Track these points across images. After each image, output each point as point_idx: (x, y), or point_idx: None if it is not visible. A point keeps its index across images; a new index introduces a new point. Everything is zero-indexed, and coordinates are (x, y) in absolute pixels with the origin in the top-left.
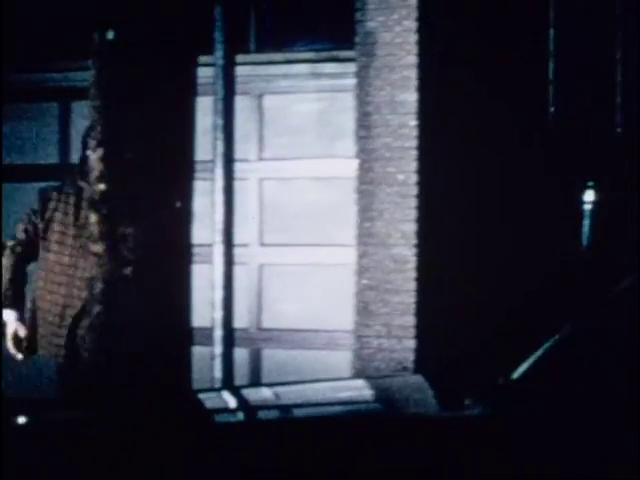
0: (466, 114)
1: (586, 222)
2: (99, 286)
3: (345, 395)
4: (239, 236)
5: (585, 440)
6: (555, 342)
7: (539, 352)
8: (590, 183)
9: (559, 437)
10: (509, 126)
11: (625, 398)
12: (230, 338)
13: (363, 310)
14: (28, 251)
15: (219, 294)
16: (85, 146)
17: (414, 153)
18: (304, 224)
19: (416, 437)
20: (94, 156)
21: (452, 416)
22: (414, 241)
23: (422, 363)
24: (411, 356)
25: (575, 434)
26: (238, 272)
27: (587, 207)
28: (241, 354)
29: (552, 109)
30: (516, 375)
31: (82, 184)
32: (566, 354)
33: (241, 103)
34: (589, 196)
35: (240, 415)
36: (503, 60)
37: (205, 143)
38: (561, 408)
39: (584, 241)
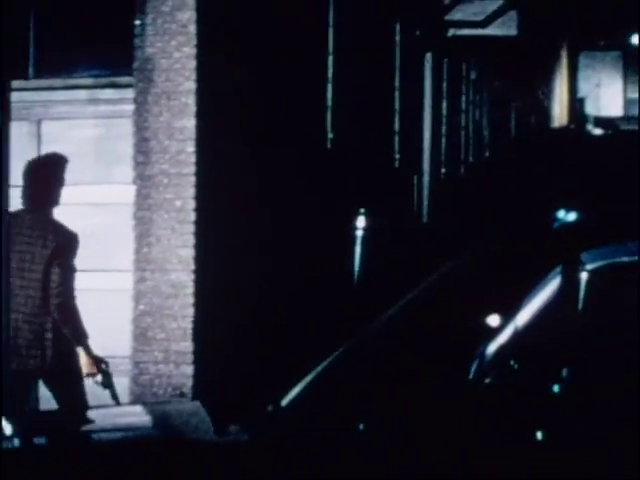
0: (247, 139)
1: (357, 247)
2: None
3: (123, 421)
4: None
5: (352, 464)
6: (324, 367)
7: (309, 377)
8: (362, 210)
9: (320, 463)
10: (290, 152)
11: (394, 425)
12: None
13: (141, 336)
14: None
15: None
16: None
17: (192, 179)
18: (82, 250)
19: (188, 462)
20: None
21: (220, 442)
22: (192, 267)
23: (201, 389)
24: (189, 382)
25: (335, 459)
26: None
27: (358, 233)
28: None
29: (331, 136)
30: (285, 401)
31: None
32: (333, 380)
33: (19, 129)
34: (360, 222)
35: (15, 441)
36: (283, 86)
37: None
38: (325, 434)
39: (355, 265)
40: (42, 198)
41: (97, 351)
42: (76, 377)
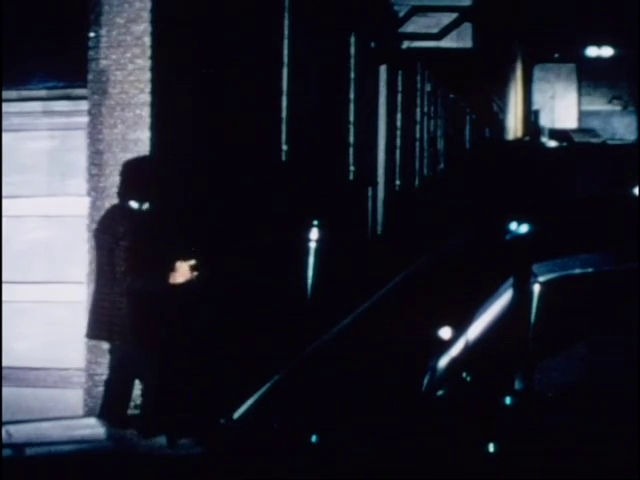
0: (201, 151)
1: (310, 259)
2: None
3: (76, 434)
4: None
5: (306, 477)
6: (276, 380)
7: (261, 390)
8: (315, 222)
9: (273, 476)
10: (244, 164)
11: (347, 438)
12: None
13: (95, 348)
14: None
15: None
16: None
17: None
18: (35, 262)
19: (141, 476)
20: None
21: (172, 455)
22: None
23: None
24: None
25: (288, 472)
26: None
27: (312, 245)
28: None
29: (285, 148)
30: (237, 414)
31: None
32: (285, 392)
33: None
34: (314, 234)
35: None
36: (238, 98)
37: None
38: (277, 447)
39: (308, 277)
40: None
41: (50, 363)
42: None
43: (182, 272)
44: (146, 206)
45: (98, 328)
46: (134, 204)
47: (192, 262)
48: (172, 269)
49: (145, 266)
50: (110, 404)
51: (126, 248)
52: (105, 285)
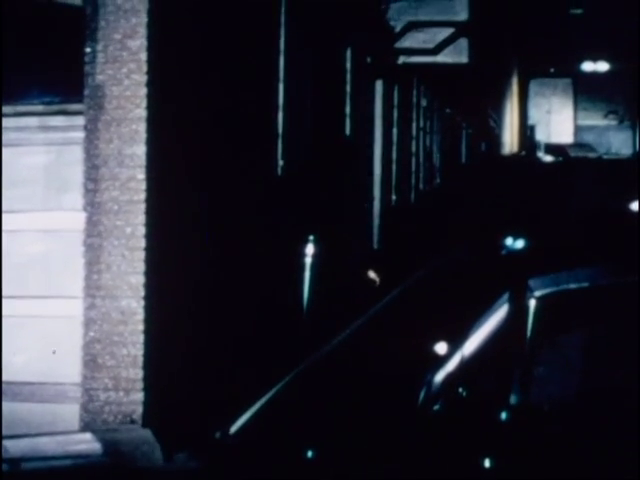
0: (198, 167)
1: (306, 274)
2: None
3: (73, 449)
4: None
5: None
6: (273, 394)
7: (258, 404)
8: (311, 237)
9: None
10: (241, 179)
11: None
12: None
13: (90, 362)
14: None
15: None
16: None
17: (142, 206)
18: (32, 276)
19: None
20: None
21: (169, 470)
22: (142, 293)
23: (151, 416)
24: (139, 409)
25: None
26: None
27: (307, 260)
28: None
29: (281, 163)
30: (234, 428)
31: None
32: (281, 406)
33: None
34: (310, 249)
35: None
36: (234, 113)
37: None
38: (273, 462)
39: (304, 291)
40: None
41: (46, 378)
42: None
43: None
44: None
45: None
46: None
47: None
48: None
49: None
50: None
51: None
52: None
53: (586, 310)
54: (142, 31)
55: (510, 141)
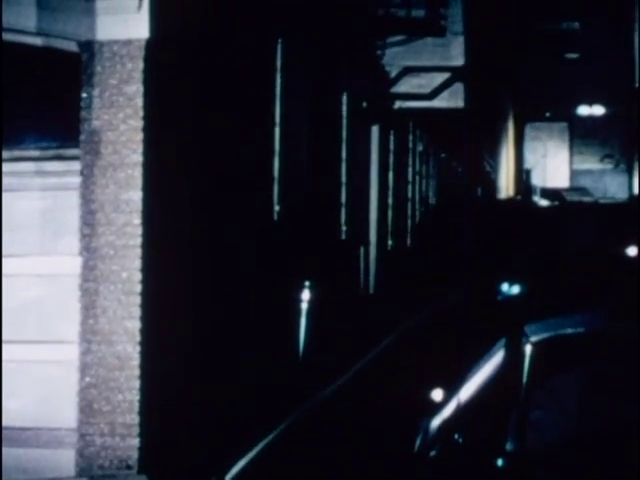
0: (194, 212)
1: (302, 319)
2: None
3: None
4: None
5: None
6: (269, 440)
7: (254, 450)
8: (307, 283)
9: None
10: (237, 224)
11: None
12: None
13: (86, 408)
14: None
15: None
16: None
17: (138, 251)
18: (28, 321)
19: None
20: None
21: None
22: (138, 338)
23: (147, 461)
24: (135, 454)
25: None
26: None
27: (304, 305)
28: None
29: (277, 208)
30: (229, 476)
31: None
32: (278, 452)
33: None
34: (306, 295)
35: None
36: (230, 159)
37: None
38: None
39: (300, 336)
40: None
41: (41, 423)
42: None
43: None
44: None
45: None
46: None
47: None
48: None
49: None
50: None
51: None
52: None
53: (582, 355)
54: (138, 76)
55: (506, 185)
